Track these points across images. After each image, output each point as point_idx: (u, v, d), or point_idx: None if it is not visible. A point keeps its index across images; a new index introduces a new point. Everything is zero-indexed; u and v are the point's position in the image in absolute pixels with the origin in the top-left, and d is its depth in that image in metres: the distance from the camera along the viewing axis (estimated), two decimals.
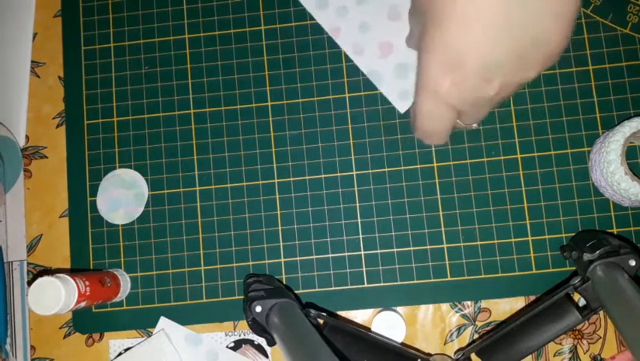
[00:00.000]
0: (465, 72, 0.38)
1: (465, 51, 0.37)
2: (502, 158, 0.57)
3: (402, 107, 0.58)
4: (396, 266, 0.57)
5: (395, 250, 0.57)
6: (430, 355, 0.54)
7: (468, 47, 0.37)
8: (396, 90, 0.58)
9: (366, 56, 0.59)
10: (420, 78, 0.41)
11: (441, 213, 0.57)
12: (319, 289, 0.57)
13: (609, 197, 0.55)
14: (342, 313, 0.57)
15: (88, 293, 0.50)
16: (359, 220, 0.57)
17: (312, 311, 0.51)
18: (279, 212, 0.58)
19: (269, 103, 0.60)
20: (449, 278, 0.56)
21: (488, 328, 0.56)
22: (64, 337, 0.59)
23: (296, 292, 0.57)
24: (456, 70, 0.38)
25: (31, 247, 0.60)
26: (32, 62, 0.63)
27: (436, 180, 0.57)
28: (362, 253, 0.57)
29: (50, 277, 0.48)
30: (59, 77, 0.63)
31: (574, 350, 0.55)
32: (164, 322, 0.57)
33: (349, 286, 0.57)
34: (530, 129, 0.57)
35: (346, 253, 0.57)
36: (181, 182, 0.59)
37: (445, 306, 0.56)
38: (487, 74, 0.38)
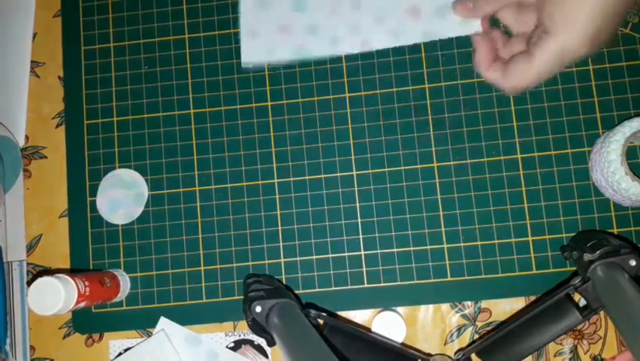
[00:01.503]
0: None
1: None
2: (502, 158, 0.57)
3: (470, 28, 0.51)
4: (397, 266, 0.56)
5: (395, 250, 0.57)
6: (430, 355, 0.54)
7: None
8: (449, 25, 0.52)
9: (408, 34, 0.52)
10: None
11: (441, 213, 0.57)
12: (319, 290, 0.57)
13: (609, 197, 0.55)
14: (342, 314, 0.57)
15: (87, 293, 0.50)
16: (359, 220, 0.57)
17: (312, 311, 0.51)
18: (278, 212, 0.58)
19: (269, 103, 0.60)
20: (449, 278, 0.56)
21: (488, 328, 0.56)
22: (64, 337, 0.59)
23: (296, 292, 0.57)
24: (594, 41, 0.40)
25: (30, 247, 0.60)
26: (32, 61, 0.63)
27: (436, 180, 0.57)
28: (362, 253, 0.57)
29: (50, 277, 0.48)
30: (59, 77, 0.62)
31: (574, 350, 0.55)
32: (163, 322, 0.57)
33: (349, 287, 0.57)
34: (530, 129, 0.57)
35: (346, 253, 0.57)
36: (181, 182, 0.59)
37: (445, 306, 0.56)
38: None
